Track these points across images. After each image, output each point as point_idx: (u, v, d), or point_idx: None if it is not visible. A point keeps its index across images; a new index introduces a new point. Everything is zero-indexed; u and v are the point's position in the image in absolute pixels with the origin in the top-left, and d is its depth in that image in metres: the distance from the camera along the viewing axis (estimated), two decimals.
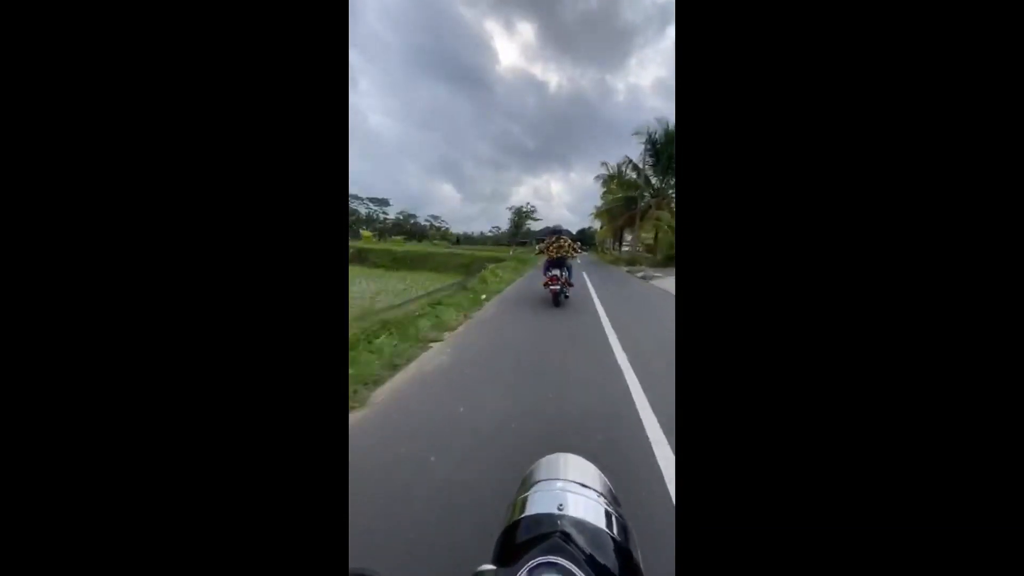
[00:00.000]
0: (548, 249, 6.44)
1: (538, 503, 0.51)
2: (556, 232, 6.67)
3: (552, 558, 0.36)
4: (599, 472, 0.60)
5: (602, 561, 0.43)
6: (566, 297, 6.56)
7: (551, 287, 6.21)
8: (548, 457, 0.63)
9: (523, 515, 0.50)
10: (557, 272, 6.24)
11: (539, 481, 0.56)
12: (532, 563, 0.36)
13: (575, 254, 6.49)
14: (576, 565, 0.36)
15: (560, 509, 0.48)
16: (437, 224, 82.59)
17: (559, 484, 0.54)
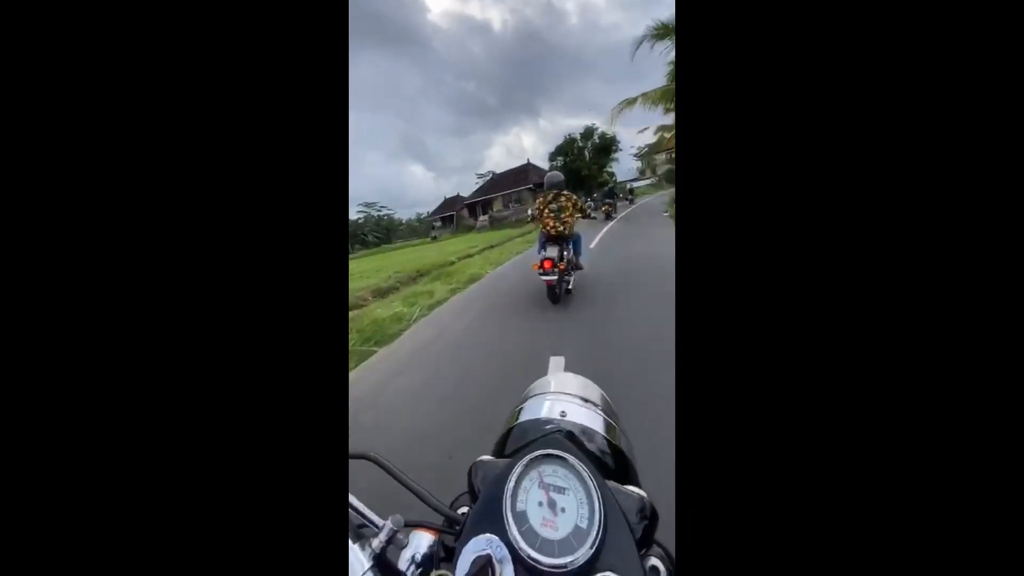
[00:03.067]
0: (543, 215, 3.82)
1: (541, 410, 0.54)
2: (551, 185, 3.80)
3: (553, 450, 0.37)
4: (599, 388, 0.64)
5: (601, 460, 0.47)
6: (568, 291, 3.91)
7: (545, 276, 3.57)
8: (551, 375, 0.66)
9: (526, 419, 0.53)
10: (555, 252, 3.62)
11: (542, 393, 0.59)
12: (534, 453, 0.37)
13: (583, 215, 3.88)
14: (577, 459, 0.37)
15: (563, 415, 0.51)
16: (375, 212, 56.01)
17: (562, 396, 0.57)
